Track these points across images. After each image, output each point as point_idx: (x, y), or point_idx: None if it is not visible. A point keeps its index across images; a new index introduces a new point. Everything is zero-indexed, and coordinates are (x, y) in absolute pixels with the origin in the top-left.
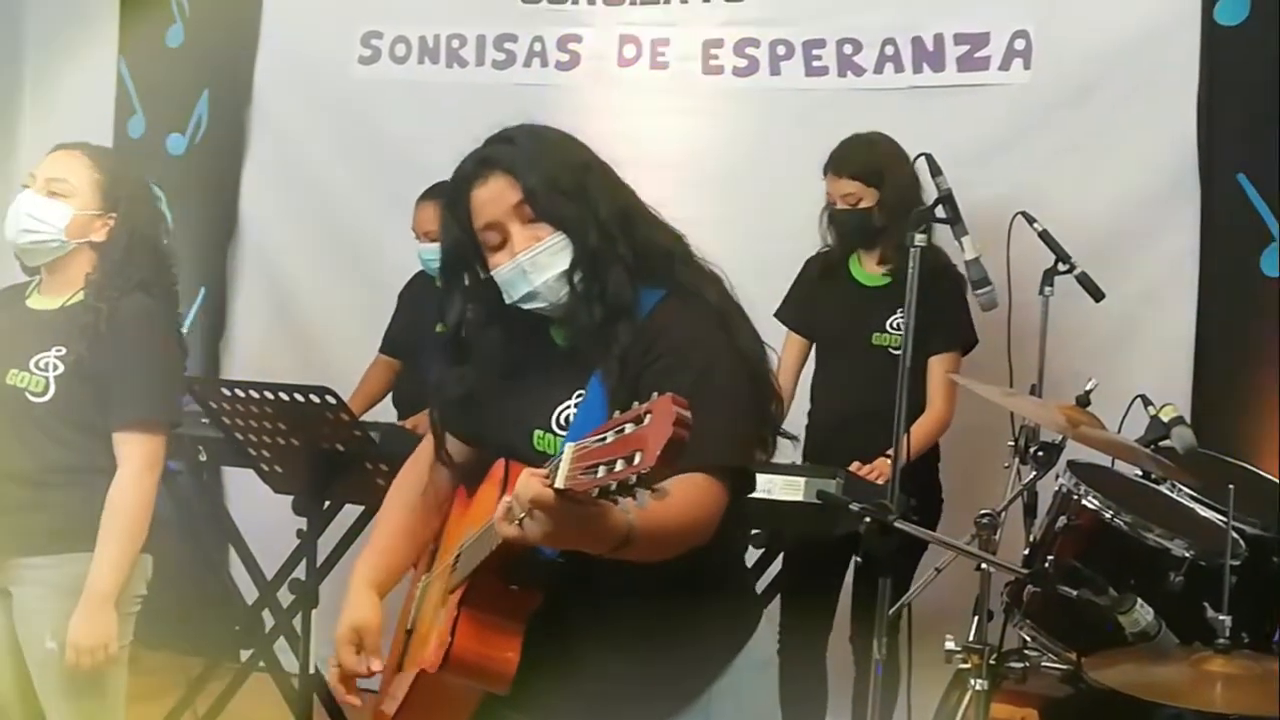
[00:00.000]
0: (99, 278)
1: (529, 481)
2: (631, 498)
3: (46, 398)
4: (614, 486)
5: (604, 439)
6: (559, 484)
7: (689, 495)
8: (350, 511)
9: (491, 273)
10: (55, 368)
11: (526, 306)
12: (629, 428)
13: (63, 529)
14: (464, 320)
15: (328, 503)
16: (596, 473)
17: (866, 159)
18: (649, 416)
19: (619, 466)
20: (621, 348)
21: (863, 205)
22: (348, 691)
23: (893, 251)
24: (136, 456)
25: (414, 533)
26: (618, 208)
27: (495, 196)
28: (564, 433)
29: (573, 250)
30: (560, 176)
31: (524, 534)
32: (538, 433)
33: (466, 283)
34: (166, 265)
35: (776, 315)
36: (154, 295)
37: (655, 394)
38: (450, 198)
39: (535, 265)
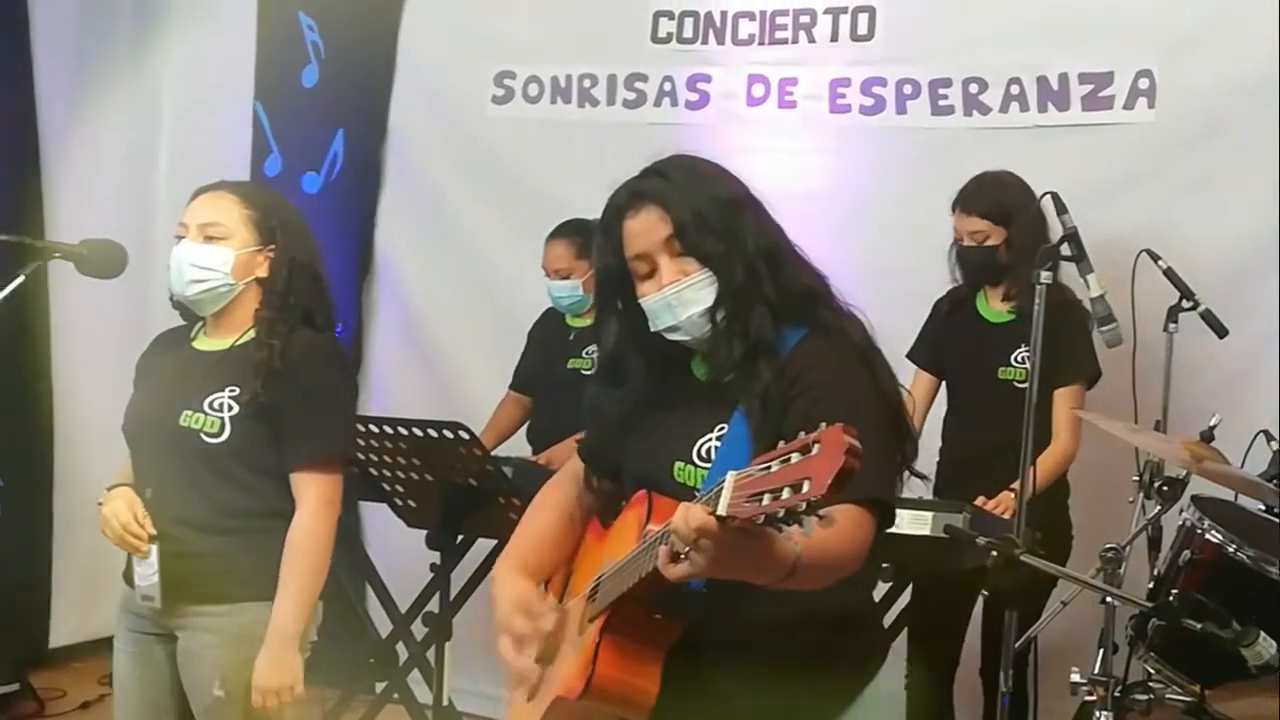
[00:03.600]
0: (268, 313)
1: (692, 511)
2: (798, 525)
3: (222, 439)
4: (781, 514)
5: (768, 468)
6: (721, 510)
7: (847, 527)
8: (483, 546)
9: (639, 300)
10: (230, 408)
11: (670, 337)
12: (795, 457)
13: (238, 577)
14: (617, 344)
15: (461, 537)
16: (761, 500)
17: (997, 198)
18: (817, 446)
19: (786, 494)
20: (764, 384)
21: (990, 243)
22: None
23: (1018, 289)
24: (314, 495)
25: (556, 542)
26: (765, 246)
27: (646, 229)
28: (705, 464)
29: (718, 287)
30: (710, 213)
31: (691, 570)
32: (678, 464)
33: (619, 308)
34: (325, 291)
35: (909, 356)
36: (319, 327)
37: (824, 424)
38: (603, 225)
39: (680, 300)
